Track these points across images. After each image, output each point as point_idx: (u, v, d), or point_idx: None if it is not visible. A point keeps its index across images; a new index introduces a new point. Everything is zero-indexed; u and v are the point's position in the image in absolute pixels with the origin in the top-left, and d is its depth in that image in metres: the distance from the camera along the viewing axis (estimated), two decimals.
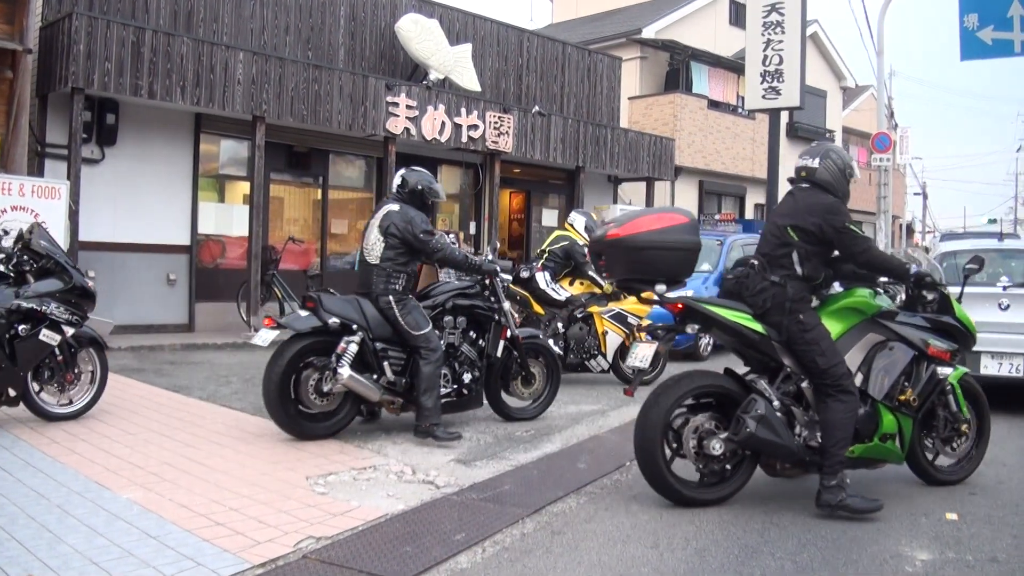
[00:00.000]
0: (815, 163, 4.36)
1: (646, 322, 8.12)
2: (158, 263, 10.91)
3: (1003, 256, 8.08)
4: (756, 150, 20.79)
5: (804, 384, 4.29)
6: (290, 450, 5.05)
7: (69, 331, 5.43)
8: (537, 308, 8.05)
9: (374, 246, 5.47)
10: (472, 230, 14.70)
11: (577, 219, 8.60)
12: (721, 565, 3.49)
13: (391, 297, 5.36)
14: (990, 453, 5.05)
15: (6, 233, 5.73)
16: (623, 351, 8.06)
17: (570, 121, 15.01)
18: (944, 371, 4.59)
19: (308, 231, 12.92)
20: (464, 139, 13.05)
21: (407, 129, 12.28)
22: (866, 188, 23.10)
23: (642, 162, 16.31)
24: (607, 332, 7.90)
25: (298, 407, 5.26)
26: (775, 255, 4.27)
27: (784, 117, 19.26)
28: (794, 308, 4.16)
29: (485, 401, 6.03)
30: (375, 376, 5.34)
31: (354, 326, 5.26)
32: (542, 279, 8.01)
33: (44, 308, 5.29)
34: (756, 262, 4.33)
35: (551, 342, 6.69)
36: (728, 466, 4.28)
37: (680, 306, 4.24)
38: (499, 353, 5.97)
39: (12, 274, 5.41)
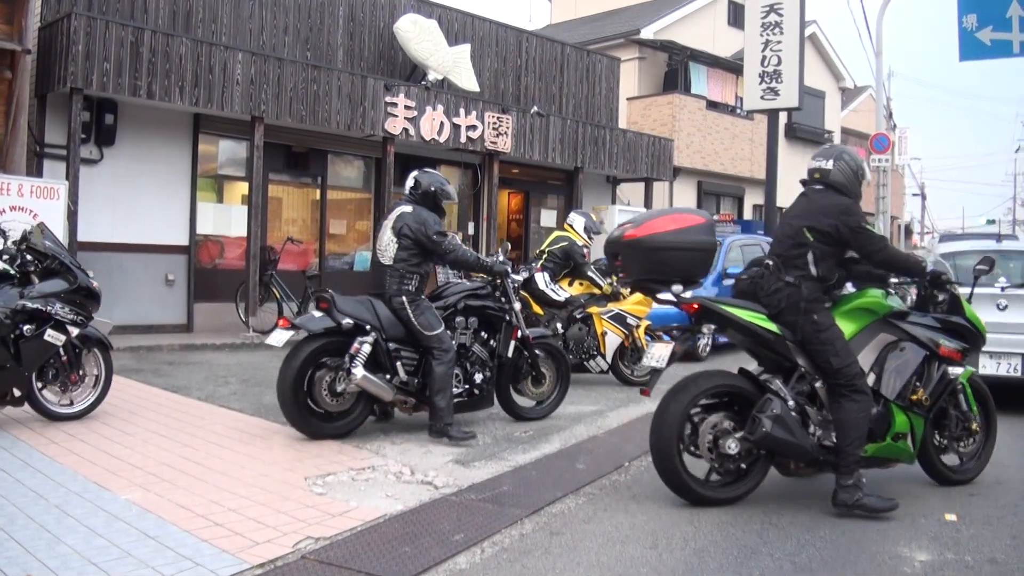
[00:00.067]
0: (829, 165, 4.41)
1: (645, 323, 8.15)
2: (156, 263, 10.90)
3: (1001, 257, 8.09)
4: (755, 151, 20.81)
5: (818, 384, 4.32)
6: (289, 451, 5.05)
7: (74, 331, 5.44)
8: (536, 309, 8.05)
9: (387, 247, 5.53)
10: (471, 231, 14.70)
11: (576, 220, 8.60)
12: (720, 566, 3.49)
13: (404, 298, 5.41)
14: None
15: (4, 233, 5.72)
16: (622, 352, 8.08)
17: (569, 122, 15.01)
18: (955, 371, 4.64)
19: (307, 231, 12.91)
20: (463, 139, 13.05)
21: (406, 129, 12.28)
22: (865, 189, 23.10)
23: (641, 163, 16.32)
24: (606, 333, 7.90)
25: (312, 407, 5.31)
26: (790, 256, 4.31)
27: (782, 118, 19.29)
28: (808, 308, 4.20)
29: (496, 401, 6.08)
30: (388, 376, 5.39)
31: (367, 326, 5.31)
32: (541, 280, 8.02)
33: (49, 308, 5.30)
34: (771, 262, 4.37)
35: None
36: (743, 465, 4.31)
37: (696, 306, 4.27)
38: (510, 353, 6.03)
39: (17, 274, 5.41)
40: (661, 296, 4.35)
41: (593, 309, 7.99)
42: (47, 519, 3.65)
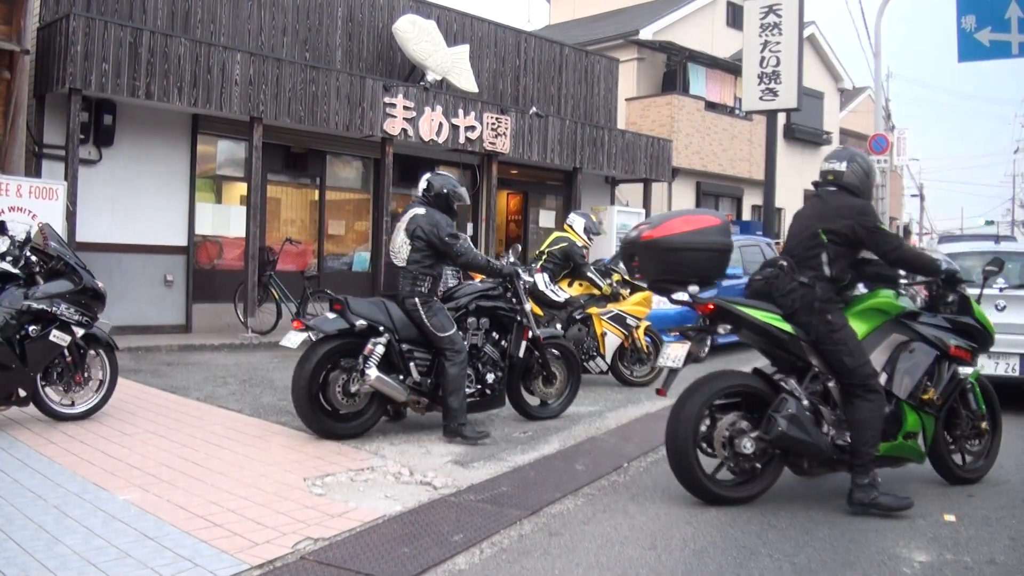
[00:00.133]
0: (843, 167, 4.46)
1: (645, 323, 8.16)
2: (155, 264, 10.89)
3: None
4: (753, 151, 20.83)
5: (831, 384, 4.36)
6: (288, 451, 5.05)
7: (79, 332, 5.45)
8: (536, 309, 8.04)
9: (401, 249, 5.58)
10: (469, 231, 14.70)
11: (576, 220, 8.60)
12: (719, 566, 3.49)
13: (417, 299, 5.47)
14: None
15: (5, 230, 5.72)
16: (621, 352, 8.09)
17: (567, 122, 15.02)
18: (965, 371, 4.71)
19: (305, 232, 12.91)
20: (461, 140, 13.05)
21: (404, 130, 12.28)
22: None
23: (639, 163, 16.32)
24: (606, 333, 7.91)
25: (326, 407, 5.35)
26: (804, 256, 4.36)
27: (781, 119, 19.33)
28: (822, 308, 4.24)
29: (507, 401, 6.14)
30: (401, 377, 5.45)
31: (380, 328, 5.36)
32: (541, 280, 8.00)
33: (54, 309, 5.32)
34: (785, 263, 4.40)
35: None
36: (758, 464, 4.33)
37: (712, 307, 4.31)
38: (521, 353, 6.08)
39: (22, 275, 5.41)
40: (676, 296, 4.39)
41: (593, 310, 7.99)
42: (46, 519, 3.65)
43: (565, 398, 6.46)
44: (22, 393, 5.30)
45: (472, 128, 13.15)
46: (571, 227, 8.55)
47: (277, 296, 11.08)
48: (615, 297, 8.06)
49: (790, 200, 22.86)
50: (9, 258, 5.46)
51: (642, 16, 20.76)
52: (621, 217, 16.15)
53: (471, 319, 5.91)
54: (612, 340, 7.94)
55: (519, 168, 15.21)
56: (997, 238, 10.92)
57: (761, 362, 4.76)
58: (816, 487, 4.69)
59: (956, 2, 12.79)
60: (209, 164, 11.77)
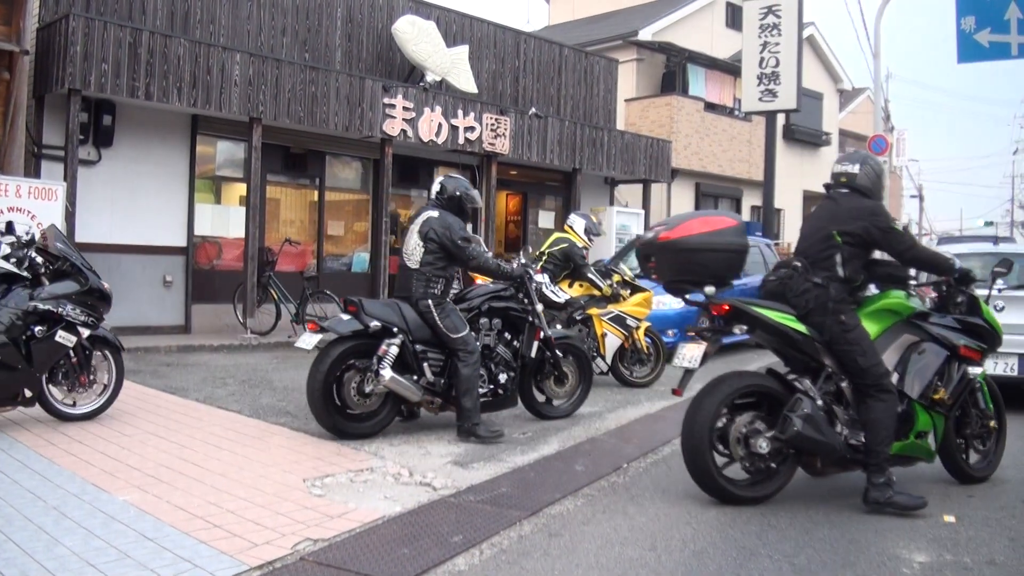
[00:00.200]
0: (855, 169, 4.52)
1: (645, 324, 8.16)
2: (154, 264, 10.89)
3: (998, 260, 8.16)
4: (752, 152, 20.83)
5: (844, 384, 4.40)
6: (287, 452, 5.05)
7: (85, 333, 5.46)
8: None
9: (414, 251, 5.63)
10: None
11: (577, 221, 8.61)
12: (719, 567, 3.49)
13: (430, 301, 5.52)
14: None
15: (13, 230, 5.72)
16: (622, 353, 8.09)
17: (567, 123, 15.02)
18: (975, 371, 4.76)
19: (304, 233, 12.90)
20: (461, 141, 13.05)
21: (404, 131, 12.28)
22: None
23: (639, 164, 16.32)
24: (606, 334, 7.91)
25: (340, 408, 5.39)
26: (818, 258, 4.40)
27: (780, 119, 19.32)
28: (836, 309, 4.29)
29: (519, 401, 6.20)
30: (415, 377, 5.50)
31: (394, 329, 5.41)
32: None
33: (60, 310, 5.33)
34: (799, 264, 4.43)
35: None
36: (773, 464, 4.35)
37: (727, 307, 4.34)
38: (533, 354, 6.13)
39: (28, 276, 5.42)
40: (690, 297, 4.44)
41: (593, 311, 8.00)
42: (45, 520, 3.65)
43: (577, 398, 6.53)
44: (28, 394, 5.31)
45: (471, 129, 13.15)
46: (571, 228, 8.55)
47: (276, 297, 11.08)
48: (615, 298, 8.06)
49: (789, 201, 22.89)
50: (13, 259, 5.46)
51: (641, 17, 20.75)
52: (620, 218, 16.16)
53: (483, 320, 5.99)
54: (612, 341, 7.94)
55: (518, 169, 15.21)
56: (996, 239, 10.92)
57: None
58: (816, 487, 4.69)
59: (955, 3, 12.81)
60: (208, 165, 11.76)
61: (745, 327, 4.47)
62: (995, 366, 6.86)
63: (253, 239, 10.85)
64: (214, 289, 11.38)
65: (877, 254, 4.57)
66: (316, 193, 12.96)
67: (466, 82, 13.94)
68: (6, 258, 5.49)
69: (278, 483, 4.37)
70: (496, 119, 13.51)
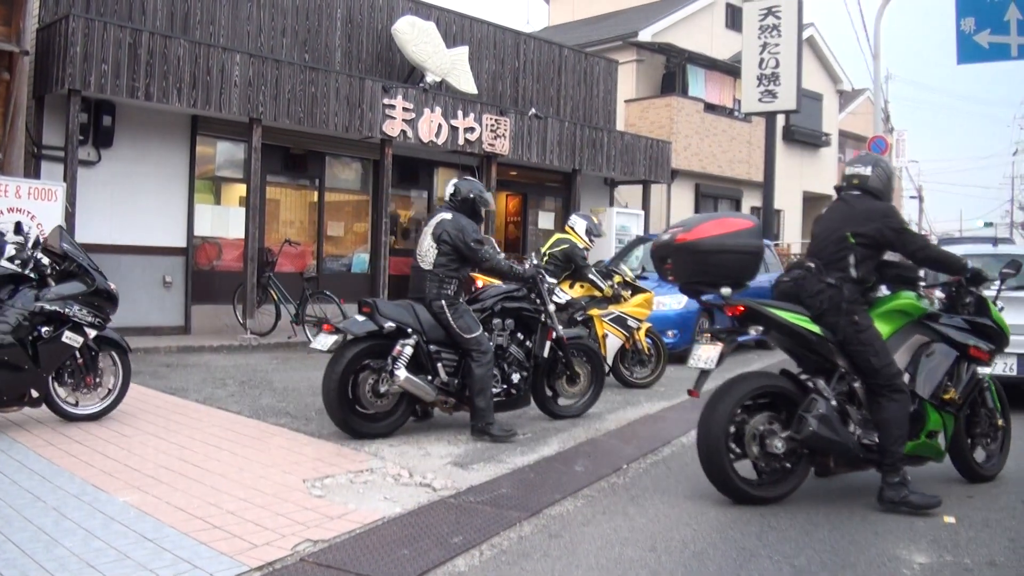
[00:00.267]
0: (868, 171, 4.57)
1: (646, 325, 8.17)
2: (154, 265, 10.89)
3: (997, 261, 8.17)
4: (752, 153, 20.84)
5: (856, 384, 4.43)
6: (287, 453, 5.05)
7: (92, 333, 5.46)
8: None
9: (427, 253, 5.69)
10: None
11: (578, 222, 8.61)
12: (719, 568, 3.49)
13: (443, 302, 5.57)
14: None
15: (22, 230, 5.72)
16: (623, 354, 8.10)
17: (567, 124, 15.02)
18: (983, 371, 4.83)
19: (304, 233, 12.90)
20: (461, 142, 13.05)
21: (404, 131, 12.27)
22: None
23: (639, 165, 16.33)
24: (607, 335, 7.92)
25: (355, 408, 5.43)
26: (832, 259, 4.43)
27: (780, 120, 19.33)
28: (849, 309, 4.32)
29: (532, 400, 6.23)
30: (429, 377, 5.55)
31: (408, 330, 5.46)
32: None
33: (67, 311, 5.33)
34: (812, 265, 4.47)
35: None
36: (787, 464, 4.38)
37: (742, 308, 4.37)
38: (546, 353, 6.17)
39: (34, 277, 5.42)
40: (705, 298, 4.46)
41: (594, 311, 8.00)
42: (45, 521, 3.64)
43: (589, 397, 6.57)
44: (34, 394, 5.31)
45: (471, 129, 13.15)
46: (572, 229, 8.55)
47: (276, 297, 11.08)
48: (616, 299, 8.07)
49: (789, 202, 22.89)
50: (18, 260, 5.46)
51: (641, 18, 20.76)
52: (620, 219, 16.16)
53: (496, 320, 6.03)
54: (613, 342, 7.95)
55: (518, 169, 15.21)
56: (995, 240, 10.90)
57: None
58: (816, 488, 4.69)
59: (955, 4, 12.81)
60: (208, 165, 11.76)
61: (760, 328, 4.49)
62: (994, 366, 6.86)
63: (253, 240, 10.85)
64: (214, 290, 11.38)
65: (888, 255, 4.61)
66: (316, 194, 12.96)
67: (466, 83, 13.94)
68: (11, 259, 5.49)
69: (278, 484, 4.37)
70: (496, 120, 13.51)
